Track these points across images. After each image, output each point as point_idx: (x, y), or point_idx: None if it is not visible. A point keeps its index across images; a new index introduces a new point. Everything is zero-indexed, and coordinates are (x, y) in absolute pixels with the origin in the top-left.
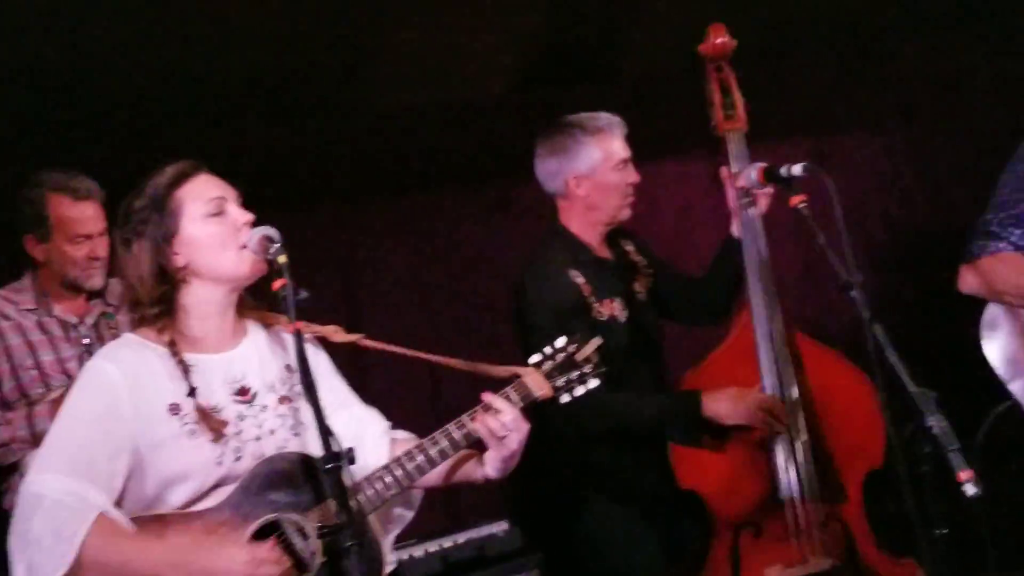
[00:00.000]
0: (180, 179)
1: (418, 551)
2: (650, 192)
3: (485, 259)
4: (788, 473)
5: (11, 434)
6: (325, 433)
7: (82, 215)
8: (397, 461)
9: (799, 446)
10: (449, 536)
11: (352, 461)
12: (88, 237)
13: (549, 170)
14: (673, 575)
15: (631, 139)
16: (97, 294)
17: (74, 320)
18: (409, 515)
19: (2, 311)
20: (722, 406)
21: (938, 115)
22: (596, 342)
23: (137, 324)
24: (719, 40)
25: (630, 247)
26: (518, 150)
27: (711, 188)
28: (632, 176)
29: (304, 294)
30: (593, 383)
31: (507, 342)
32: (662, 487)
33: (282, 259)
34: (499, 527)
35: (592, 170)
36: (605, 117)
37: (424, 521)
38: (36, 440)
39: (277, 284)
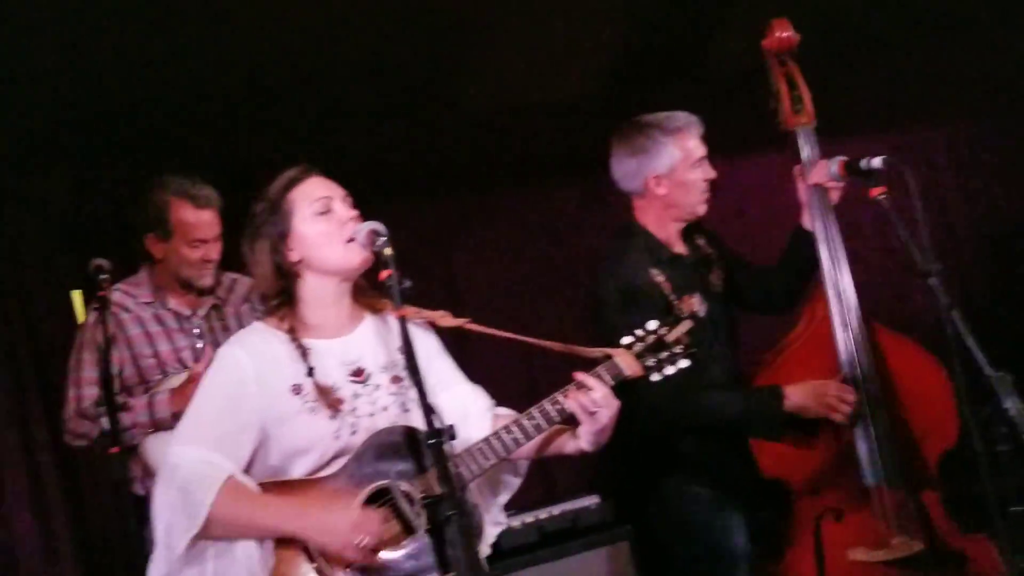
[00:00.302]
0: (292, 183)
1: (515, 521)
2: (739, 186)
3: (579, 251)
4: (869, 459)
5: (132, 420)
6: (428, 411)
7: (200, 221)
8: (495, 434)
9: (879, 432)
10: (544, 508)
11: (453, 437)
12: (204, 241)
13: (627, 170)
14: (757, 560)
15: (720, 135)
16: (208, 290)
17: (187, 312)
18: (517, 481)
19: (123, 304)
20: (804, 400)
21: (1013, 107)
22: (687, 324)
23: (264, 314)
24: (782, 35)
25: (702, 240)
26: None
27: (785, 182)
28: (709, 173)
29: (408, 283)
30: (683, 363)
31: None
32: (745, 474)
33: (388, 251)
34: (591, 501)
35: (671, 169)
36: (682, 116)
37: (521, 493)
38: (155, 425)
39: (383, 274)
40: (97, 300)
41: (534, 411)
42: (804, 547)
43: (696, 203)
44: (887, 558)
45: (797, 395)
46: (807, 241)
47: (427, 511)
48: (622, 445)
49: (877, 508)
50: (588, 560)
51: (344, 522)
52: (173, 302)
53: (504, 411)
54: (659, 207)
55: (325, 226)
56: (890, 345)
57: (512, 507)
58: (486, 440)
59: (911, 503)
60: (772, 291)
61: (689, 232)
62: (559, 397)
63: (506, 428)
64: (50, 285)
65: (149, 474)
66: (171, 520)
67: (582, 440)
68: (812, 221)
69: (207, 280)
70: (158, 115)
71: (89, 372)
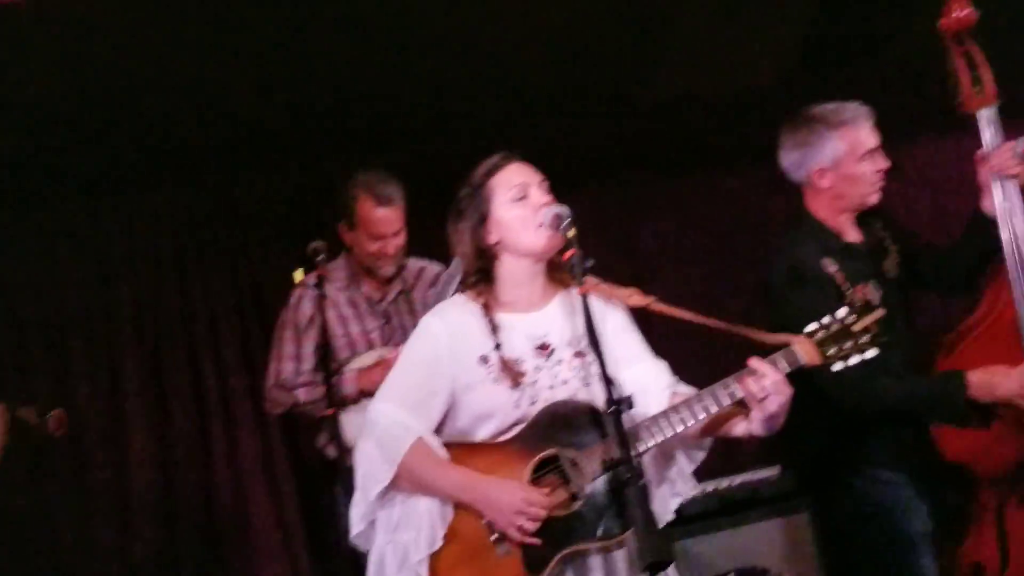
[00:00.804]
0: (493, 170)
1: (695, 489)
2: (927, 168)
3: (760, 239)
4: None
5: (323, 393)
6: (608, 382)
7: (380, 217)
8: (663, 413)
9: None
10: (726, 477)
11: (630, 407)
12: (383, 236)
13: (793, 162)
14: (939, 543)
15: (901, 119)
16: (390, 278)
17: (377, 297)
18: (702, 454)
19: (322, 289)
20: (988, 386)
21: None
22: (878, 313)
23: (462, 288)
24: (960, 13)
25: (878, 225)
26: None
27: (967, 164)
28: (880, 163)
29: (591, 262)
30: (870, 353)
31: None
32: (929, 457)
33: (570, 233)
34: (772, 472)
35: (836, 163)
36: (851, 108)
37: (702, 463)
38: (338, 402)
39: (567, 255)
40: (316, 278)
41: (704, 394)
42: (987, 532)
43: (866, 194)
44: None
45: (981, 381)
46: (986, 226)
47: (604, 475)
48: (805, 422)
49: None
50: (766, 530)
51: (512, 502)
52: (366, 287)
53: (685, 389)
54: (828, 198)
55: (520, 211)
56: None
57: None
58: (654, 419)
59: None
60: (950, 274)
61: (864, 218)
62: (731, 382)
63: (675, 408)
64: (274, 266)
65: (339, 442)
66: (368, 470)
67: (753, 424)
68: (993, 205)
69: (386, 270)
70: (367, 114)
71: (288, 348)
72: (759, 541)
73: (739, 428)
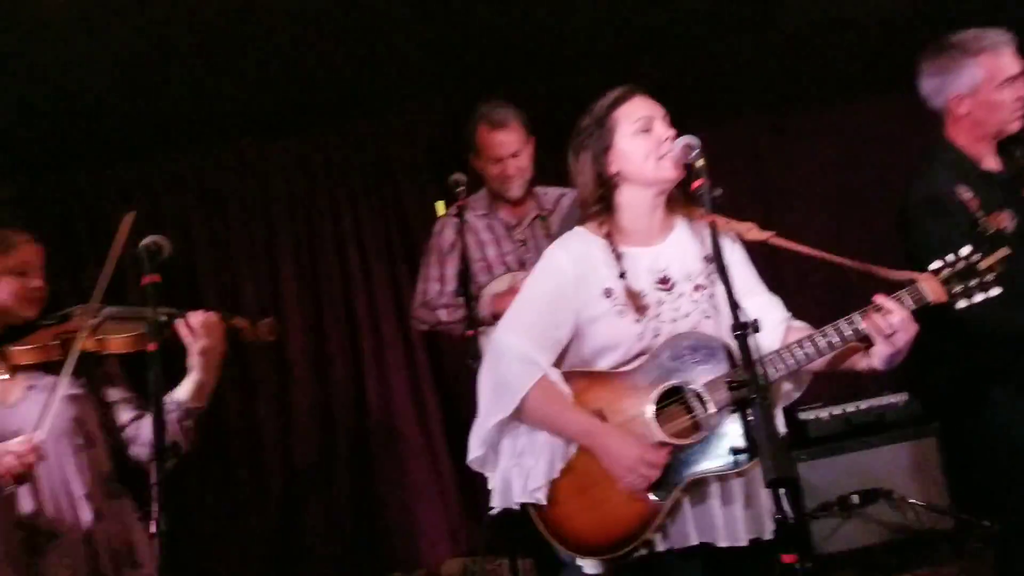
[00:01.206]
0: (617, 102)
1: (823, 413)
2: None
3: (891, 168)
4: None
5: (463, 314)
6: (734, 306)
7: (496, 141)
8: (788, 348)
9: None
10: (852, 402)
11: (756, 330)
12: (500, 159)
13: (931, 89)
14: None
15: None
16: (519, 201)
17: (513, 222)
18: (796, 394)
19: (463, 217)
20: None
21: None
22: (1003, 252)
23: (583, 220)
24: None
25: (1019, 152)
26: None
27: None
28: (1021, 90)
29: (719, 191)
30: (994, 291)
31: None
32: None
33: (700, 163)
34: (899, 398)
35: (974, 90)
36: (991, 35)
37: (831, 387)
38: (479, 322)
39: (695, 184)
40: (456, 209)
41: (829, 329)
42: None
43: (1005, 121)
44: None
45: None
46: None
47: (725, 404)
48: (936, 350)
49: None
50: (893, 453)
51: (631, 455)
52: (502, 213)
53: (798, 324)
54: (966, 125)
55: (644, 143)
56: None
57: (821, 399)
58: (777, 352)
59: None
60: None
61: (1005, 146)
62: (856, 317)
63: (799, 343)
64: (418, 196)
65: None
66: (489, 400)
67: (875, 360)
68: None
69: (514, 192)
70: (499, 48)
71: (432, 271)
72: (884, 464)
73: (861, 363)
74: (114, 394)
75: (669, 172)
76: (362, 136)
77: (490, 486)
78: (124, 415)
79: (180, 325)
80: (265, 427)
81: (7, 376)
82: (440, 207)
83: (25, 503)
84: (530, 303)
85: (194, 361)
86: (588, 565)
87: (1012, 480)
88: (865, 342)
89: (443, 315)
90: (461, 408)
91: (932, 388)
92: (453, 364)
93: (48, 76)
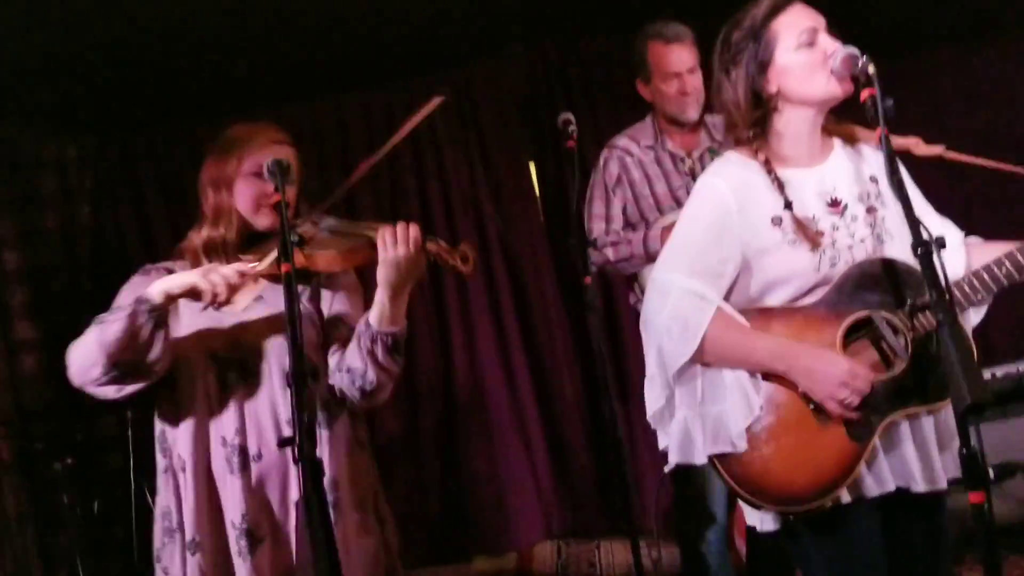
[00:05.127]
0: (776, 10)
1: (986, 373)
2: None
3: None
4: None
5: (630, 252)
6: (914, 222)
7: (670, 54)
8: (987, 267)
9: None
10: (986, 368)
11: (942, 246)
12: (677, 75)
13: None
14: None
15: None
16: (697, 124)
17: (682, 154)
18: (977, 320)
19: (628, 149)
20: None
21: None
22: None
23: (735, 144)
24: None
25: None
26: None
27: None
28: None
29: (890, 101)
30: None
31: None
32: None
33: (870, 69)
34: None
35: None
36: None
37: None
38: (650, 258)
39: (865, 93)
40: (566, 151)
41: (1020, 248)
42: None
43: None
44: None
45: None
46: None
47: (920, 332)
48: None
49: None
50: None
51: (833, 373)
52: (671, 144)
53: (975, 239)
54: None
55: (808, 58)
56: None
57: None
58: (975, 273)
59: None
60: None
61: None
62: None
63: (997, 262)
64: (507, 153)
65: None
66: (665, 345)
67: None
68: None
69: (691, 113)
70: None
71: (597, 208)
72: (1020, 434)
73: None
74: (334, 311)
75: (838, 89)
76: (445, 87)
77: (662, 445)
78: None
79: (379, 236)
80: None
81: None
82: (532, 168)
83: (228, 419)
84: (691, 237)
85: (382, 274)
86: (767, 521)
87: None
88: None
89: (611, 254)
90: (553, 380)
91: None
92: (545, 329)
93: (114, 34)
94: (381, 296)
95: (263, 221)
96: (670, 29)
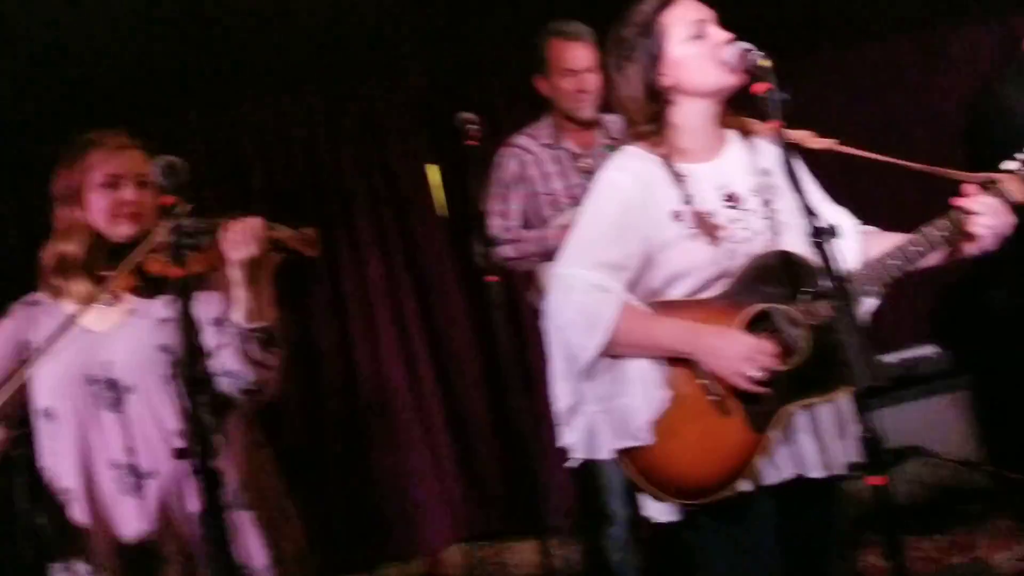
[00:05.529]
0: (664, 5)
1: None
2: None
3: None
4: None
5: (528, 249)
6: (809, 212)
7: (569, 52)
8: (878, 260)
9: None
10: (881, 355)
11: (834, 235)
12: (575, 72)
13: None
14: None
15: None
16: (592, 123)
17: (579, 151)
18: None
19: (526, 147)
20: None
21: None
22: None
23: (633, 139)
24: None
25: None
26: None
27: None
28: None
29: (785, 95)
30: None
31: None
32: None
33: (764, 63)
34: (929, 350)
35: None
36: None
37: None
38: (547, 256)
39: (759, 87)
40: (468, 149)
41: (916, 237)
42: None
43: None
44: None
45: None
46: None
47: (817, 315)
48: (974, 298)
49: None
50: (925, 407)
51: (738, 350)
52: (569, 142)
53: (870, 229)
54: None
55: (699, 49)
56: None
57: None
58: (867, 265)
59: None
60: None
61: None
62: (940, 221)
63: (889, 254)
64: (408, 157)
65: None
66: (572, 339)
67: (967, 250)
68: None
69: (587, 111)
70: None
71: (495, 205)
72: (917, 418)
73: (969, 248)
74: (206, 315)
75: (731, 79)
76: (345, 98)
77: (564, 440)
78: (212, 340)
79: (221, 236)
80: None
81: (107, 303)
82: (432, 172)
83: (114, 439)
84: (593, 232)
85: (235, 273)
86: (664, 512)
87: None
88: (953, 242)
89: (509, 251)
90: (458, 380)
91: (960, 340)
92: (449, 329)
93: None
94: (239, 294)
95: (122, 231)
96: (571, 27)
